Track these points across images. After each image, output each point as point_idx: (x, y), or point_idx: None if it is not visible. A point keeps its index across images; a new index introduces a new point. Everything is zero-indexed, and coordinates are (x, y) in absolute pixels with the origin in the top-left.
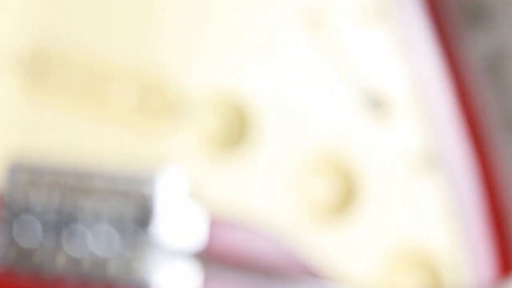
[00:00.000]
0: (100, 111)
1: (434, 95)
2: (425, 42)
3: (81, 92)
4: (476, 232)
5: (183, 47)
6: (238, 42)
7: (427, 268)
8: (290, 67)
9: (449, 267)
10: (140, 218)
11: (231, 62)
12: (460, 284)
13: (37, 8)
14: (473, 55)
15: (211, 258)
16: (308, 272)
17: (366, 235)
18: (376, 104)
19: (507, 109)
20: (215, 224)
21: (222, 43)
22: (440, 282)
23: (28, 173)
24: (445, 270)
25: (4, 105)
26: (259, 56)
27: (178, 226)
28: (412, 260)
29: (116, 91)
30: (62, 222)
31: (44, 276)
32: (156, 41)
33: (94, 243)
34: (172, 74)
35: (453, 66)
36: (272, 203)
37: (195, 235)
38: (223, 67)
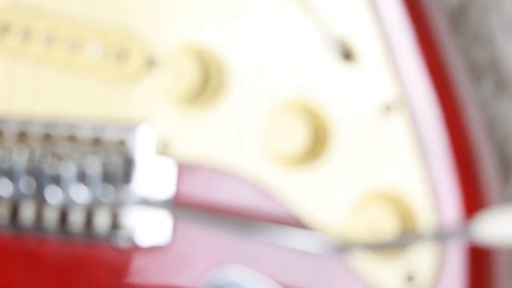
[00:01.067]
0: (72, 66)
1: (399, 41)
2: None
3: (54, 48)
4: (442, 174)
5: (154, 4)
6: None
7: (399, 209)
8: (258, 18)
9: (421, 208)
10: (115, 169)
11: (199, 15)
12: (430, 225)
13: None
14: (440, 2)
15: (182, 205)
16: (280, 217)
17: (338, 178)
18: (345, 51)
19: (470, 59)
20: (186, 172)
21: (189, 1)
22: (412, 223)
23: (4, 127)
24: (416, 210)
25: None
26: (227, 9)
27: (151, 175)
28: (384, 201)
29: (88, 47)
30: (41, 175)
31: (26, 230)
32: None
33: (73, 194)
34: (143, 29)
35: (418, 14)
36: (244, 150)
37: (168, 184)
38: (192, 21)
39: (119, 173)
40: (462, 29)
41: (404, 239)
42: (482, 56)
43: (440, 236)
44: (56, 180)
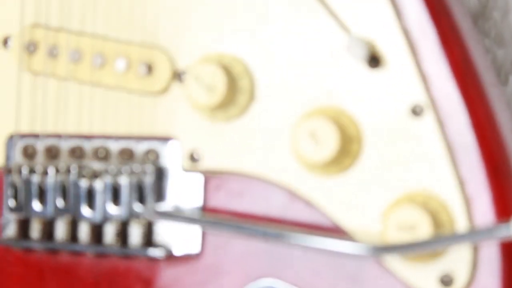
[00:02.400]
0: (99, 82)
1: (424, 43)
2: None
3: (81, 65)
4: (474, 174)
5: (178, 17)
6: (228, 7)
7: (432, 211)
8: (282, 27)
9: (454, 209)
10: (146, 182)
11: (224, 27)
12: (464, 225)
13: None
14: (463, 5)
15: (214, 217)
16: (316, 223)
17: (371, 183)
18: (371, 56)
19: (496, 58)
20: (217, 183)
21: (212, 11)
22: (446, 224)
23: (34, 142)
24: (450, 212)
25: (8, 79)
26: (251, 19)
27: (182, 187)
28: (417, 204)
29: (115, 63)
30: (73, 191)
31: (61, 246)
32: (154, 12)
33: (106, 208)
34: (168, 43)
35: (441, 16)
36: (275, 158)
37: (199, 196)
38: (217, 33)
39: (150, 186)
40: (483, 30)
41: (439, 241)
42: (504, 56)
43: (474, 236)
44: (89, 195)
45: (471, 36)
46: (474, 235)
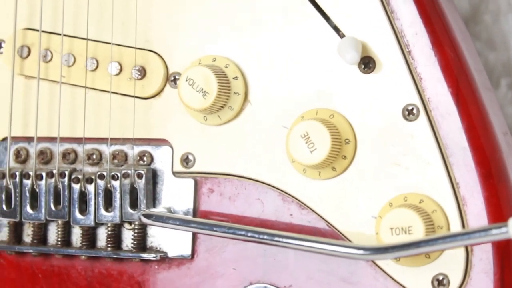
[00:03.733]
0: (93, 86)
1: (417, 46)
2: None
3: (74, 68)
4: (468, 176)
5: (171, 21)
6: (221, 11)
7: (427, 213)
8: (275, 30)
9: (448, 211)
10: (139, 186)
11: (217, 31)
12: (458, 227)
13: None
14: (454, 8)
15: (207, 220)
16: (311, 226)
17: (365, 185)
18: (364, 59)
19: (488, 62)
20: (211, 186)
21: (205, 15)
22: (440, 226)
23: (26, 146)
24: (444, 213)
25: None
26: (244, 23)
27: (176, 190)
28: (412, 206)
29: (108, 67)
30: (67, 195)
31: (55, 250)
32: (147, 15)
33: (99, 212)
34: (162, 47)
35: (434, 19)
36: (267, 160)
37: (191, 199)
38: (210, 37)
39: (144, 189)
40: (474, 34)
41: (433, 243)
42: (495, 60)
43: (469, 238)
44: (82, 199)
45: (463, 38)
46: (469, 236)
